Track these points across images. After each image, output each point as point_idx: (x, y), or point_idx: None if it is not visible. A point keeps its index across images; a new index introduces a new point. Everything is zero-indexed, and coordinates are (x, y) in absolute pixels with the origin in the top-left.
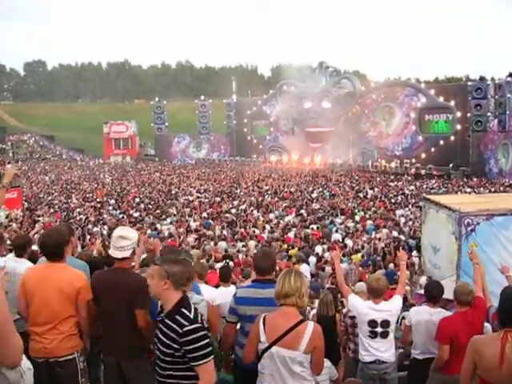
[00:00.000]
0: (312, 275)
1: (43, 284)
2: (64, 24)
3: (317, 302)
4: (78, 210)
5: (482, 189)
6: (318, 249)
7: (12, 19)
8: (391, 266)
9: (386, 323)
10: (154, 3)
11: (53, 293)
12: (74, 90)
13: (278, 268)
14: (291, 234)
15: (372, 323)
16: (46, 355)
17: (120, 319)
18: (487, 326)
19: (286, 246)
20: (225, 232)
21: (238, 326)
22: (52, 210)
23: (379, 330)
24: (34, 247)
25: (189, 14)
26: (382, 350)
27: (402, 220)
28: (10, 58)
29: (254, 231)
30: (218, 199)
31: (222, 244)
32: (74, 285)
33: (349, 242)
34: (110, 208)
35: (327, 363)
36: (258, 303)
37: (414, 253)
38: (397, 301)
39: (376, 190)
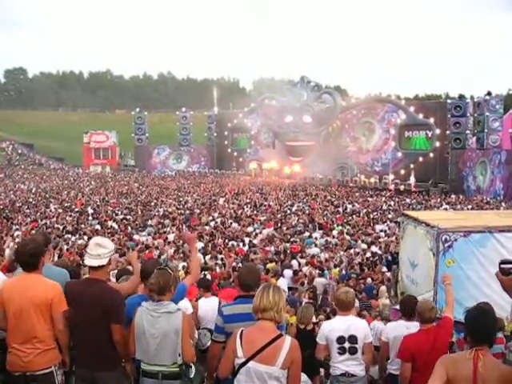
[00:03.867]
0: (289, 289)
1: (17, 296)
2: (46, 32)
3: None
4: (55, 219)
5: (459, 205)
6: (294, 263)
7: None
8: (369, 280)
9: (353, 338)
10: (136, 14)
11: (27, 305)
12: (54, 99)
13: None
14: (269, 248)
15: (340, 339)
16: (22, 369)
17: (94, 331)
18: None
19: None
20: (203, 244)
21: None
22: (29, 219)
23: (347, 345)
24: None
25: (171, 25)
26: (351, 365)
27: (382, 235)
28: None
29: (232, 244)
30: (197, 211)
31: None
32: (47, 296)
33: (326, 256)
34: (90, 218)
35: (303, 377)
36: (246, 319)
37: (384, 268)
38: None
39: (356, 204)
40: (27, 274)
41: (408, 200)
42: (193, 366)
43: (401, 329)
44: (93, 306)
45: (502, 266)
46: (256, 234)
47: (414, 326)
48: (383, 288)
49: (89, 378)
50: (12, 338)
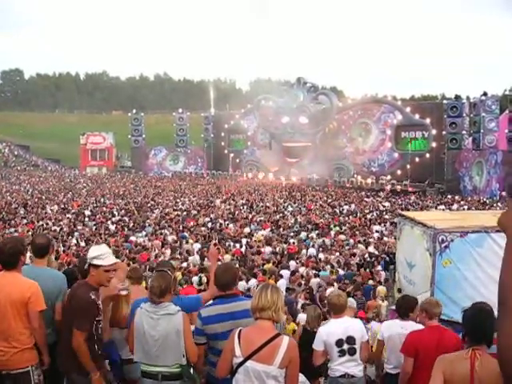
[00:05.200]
0: (287, 289)
1: None
2: (42, 33)
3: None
4: (52, 220)
5: (456, 206)
6: (292, 263)
7: None
8: (370, 282)
9: (351, 339)
10: (133, 15)
11: (4, 303)
12: (51, 100)
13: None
14: (267, 249)
15: (339, 342)
16: None
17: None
18: None
19: (260, 260)
20: (199, 245)
21: (207, 346)
22: (25, 221)
23: (346, 346)
24: None
25: (168, 26)
26: (350, 366)
27: (378, 236)
28: None
29: (229, 245)
30: (194, 212)
31: (195, 258)
32: (24, 294)
33: (323, 257)
34: (86, 219)
35: (301, 378)
36: (226, 319)
37: (380, 267)
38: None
39: (352, 205)
40: (6, 273)
41: (405, 200)
42: (193, 367)
43: (395, 328)
44: (71, 307)
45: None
46: (252, 235)
47: (409, 326)
48: (380, 288)
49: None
50: None
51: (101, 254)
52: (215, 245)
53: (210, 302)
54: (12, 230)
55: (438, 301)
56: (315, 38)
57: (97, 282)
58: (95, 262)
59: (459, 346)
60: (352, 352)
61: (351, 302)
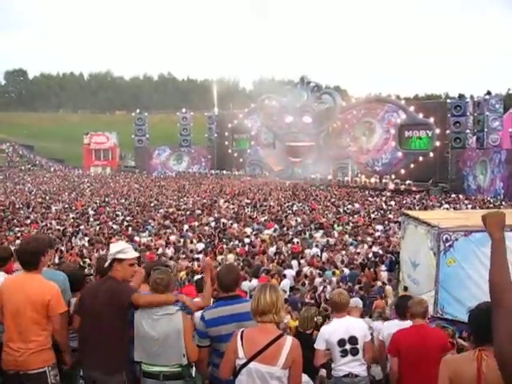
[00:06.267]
0: (291, 289)
1: (15, 295)
2: (46, 33)
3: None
4: (56, 220)
5: (460, 205)
6: (294, 263)
7: None
8: (378, 283)
9: (354, 339)
10: (136, 15)
11: (24, 304)
12: (55, 100)
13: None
14: (271, 249)
15: (341, 342)
16: (16, 368)
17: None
18: None
19: (265, 260)
20: (203, 245)
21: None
22: (29, 221)
23: (348, 346)
24: None
25: (172, 26)
26: (354, 366)
27: (381, 235)
28: None
29: (232, 245)
30: (198, 212)
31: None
32: (44, 297)
33: (326, 256)
34: (91, 219)
35: (305, 378)
36: (230, 320)
37: (383, 267)
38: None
39: (356, 205)
40: (27, 273)
41: (408, 200)
42: (194, 366)
43: (394, 327)
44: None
45: None
46: (256, 235)
47: (406, 325)
48: (388, 288)
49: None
50: (7, 336)
51: (123, 248)
52: (210, 255)
53: (213, 304)
54: (16, 229)
55: (422, 300)
56: (318, 37)
57: (122, 277)
58: (120, 256)
59: (446, 344)
60: (354, 352)
61: (357, 302)
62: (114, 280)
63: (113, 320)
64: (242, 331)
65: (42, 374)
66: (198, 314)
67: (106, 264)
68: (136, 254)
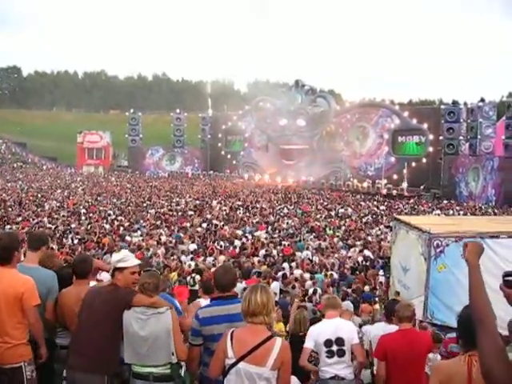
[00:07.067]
0: (280, 291)
1: None
2: (41, 31)
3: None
4: (47, 218)
5: (451, 211)
6: (285, 265)
7: None
8: (366, 288)
9: (340, 341)
10: (132, 15)
11: None
12: (49, 98)
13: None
14: (261, 251)
15: (327, 343)
16: None
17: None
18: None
19: (256, 262)
20: (195, 246)
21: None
22: (20, 218)
23: (335, 348)
24: None
25: (167, 26)
26: (340, 368)
27: (373, 239)
28: None
29: (221, 246)
30: (190, 213)
31: (187, 258)
32: (17, 290)
33: (317, 260)
34: (83, 218)
35: (294, 380)
36: (223, 320)
37: (381, 272)
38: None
39: (349, 209)
40: (0, 268)
41: (400, 205)
42: (183, 366)
43: (379, 330)
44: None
45: (507, 278)
46: (246, 237)
47: (392, 329)
48: (378, 292)
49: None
50: None
51: (124, 256)
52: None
53: (208, 302)
54: (8, 227)
55: (409, 304)
56: (314, 41)
57: (123, 286)
58: (120, 264)
59: (431, 346)
60: (341, 354)
61: (349, 305)
62: (116, 285)
63: (108, 320)
64: (233, 331)
65: (17, 369)
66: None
67: (109, 273)
68: (137, 262)
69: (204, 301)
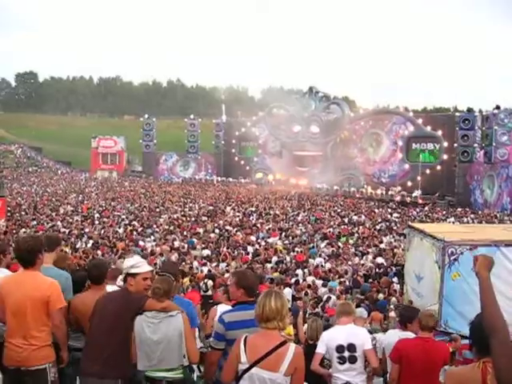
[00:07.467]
0: (293, 297)
1: (15, 292)
2: (57, 37)
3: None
4: (62, 222)
5: (466, 219)
6: (299, 272)
7: (5, 28)
8: (381, 296)
9: (352, 347)
10: (147, 21)
11: (24, 301)
12: (64, 103)
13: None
14: (274, 258)
15: (339, 348)
16: (17, 364)
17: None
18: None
19: (269, 268)
20: (208, 252)
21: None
22: (35, 222)
23: (346, 354)
24: None
25: (181, 33)
26: (353, 375)
27: (386, 247)
28: (1, 67)
29: (235, 252)
30: (204, 218)
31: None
32: (43, 293)
33: (330, 266)
34: (96, 223)
35: None
36: (247, 325)
37: (395, 279)
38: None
39: (362, 216)
40: (25, 271)
41: (414, 212)
42: (196, 369)
43: (394, 337)
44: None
45: None
46: (259, 243)
47: (407, 336)
48: (394, 300)
49: None
50: (9, 333)
51: (136, 262)
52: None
53: (230, 307)
54: (22, 230)
55: (432, 313)
56: (328, 47)
57: (135, 291)
58: (133, 270)
59: (447, 359)
60: (353, 360)
61: (362, 312)
62: (128, 290)
63: (121, 325)
64: (246, 336)
65: (42, 370)
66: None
67: (121, 278)
68: (149, 268)
69: (225, 306)
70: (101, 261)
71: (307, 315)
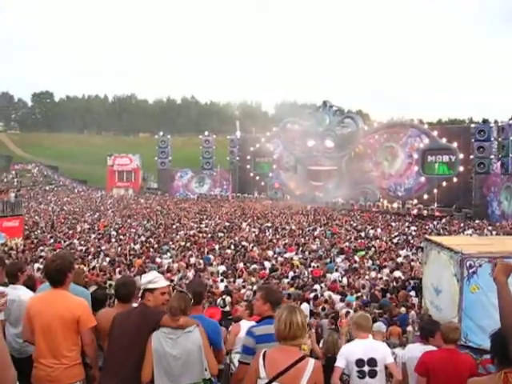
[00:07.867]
0: (310, 312)
1: (44, 311)
2: (72, 57)
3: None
4: (78, 240)
5: (484, 231)
6: (317, 287)
7: (21, 49)
8: (403, 309)
9: (373, 362)
10: (161, 40)
11: (53, 320)
12: (79, 122)
13: None
14: (291, 273)
15: (359, 362)
16: (48, 383)
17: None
18: None
19: (285, 283)
20: (224, 268)
21: None
22: (52, 240)
23: (366, 368)
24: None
25: (195, 50)
26: None
27: (403, 260)
28: (18, 87)
29: (254, 268)
30: (220, 234)
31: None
32: (74, 312)
33: (346, 281)
34: (113, 240)
35: None
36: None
37: (413, 293)
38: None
39: (378, 229)
40: (54, 290)
41: (431, 225)
42: (213, 382)
43: (416, 351)
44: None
45: None
46: (276, 258)
47: (430, 349)
48: (413, 313)
49: None
50: (39, 353)
51: (154, 278)
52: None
53: (254, 323)
54: (40, 249)
55: (457, 326)
56: (341, 62)
57: (153, 306)
58: (150, 285)
59: (474, 370)
60: (372, 375)
61: (381, 326)
62: (146, 305)
63: (140, 340)
64: (265, 351)
65: None
66: (242, 333)
67: (139, 294)
68: (166, 283)
69: (247, 322)
70: (130, 279)
71: (324, 331)
